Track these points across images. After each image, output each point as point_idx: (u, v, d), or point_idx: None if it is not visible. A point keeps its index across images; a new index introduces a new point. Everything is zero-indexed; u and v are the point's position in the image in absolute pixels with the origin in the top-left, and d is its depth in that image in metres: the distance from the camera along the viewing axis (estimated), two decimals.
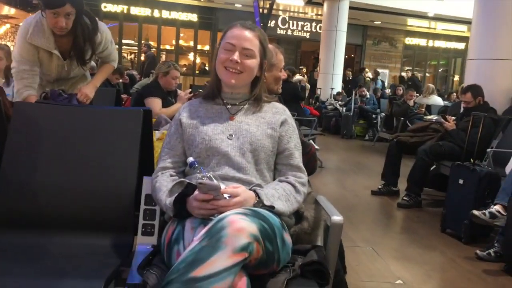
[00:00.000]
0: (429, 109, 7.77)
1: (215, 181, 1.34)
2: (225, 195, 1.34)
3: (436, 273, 2.90)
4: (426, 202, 4.56)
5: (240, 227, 1.15)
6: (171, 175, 1.56)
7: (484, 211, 2.98)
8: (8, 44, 12.41)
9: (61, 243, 1.64)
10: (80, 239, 1.66)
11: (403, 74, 16.38)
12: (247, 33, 1.55)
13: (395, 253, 3.15)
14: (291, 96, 6.04)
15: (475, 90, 4.36)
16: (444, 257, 3.13)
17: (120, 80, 7.33)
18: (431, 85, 9.14)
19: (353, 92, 10.00)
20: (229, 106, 1.60)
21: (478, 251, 3.07)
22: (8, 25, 14.93)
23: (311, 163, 2.02)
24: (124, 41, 15.66)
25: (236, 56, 1.52)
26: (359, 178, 5.71)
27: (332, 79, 12.20)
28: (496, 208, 2.97)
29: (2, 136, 1.80)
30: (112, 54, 2.68)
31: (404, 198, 4.41)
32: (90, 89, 2.51)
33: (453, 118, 4.61)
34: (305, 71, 14.70)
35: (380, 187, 4.87)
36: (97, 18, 2.50)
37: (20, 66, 2.38)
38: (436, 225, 3.74)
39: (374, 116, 9.57)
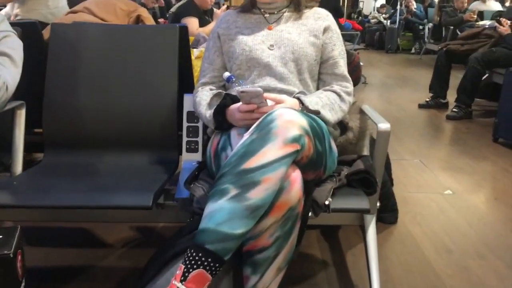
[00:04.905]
0: (481, 15, 7.25)
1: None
2: (269, 102, 1.29)
3: (487, 182, 2.82)
4: (477, 113, 4.39)
5: (290, 119, 1.12)
6: (211, 89, 1.53)
7: None
8: None
9: (109, 161, 1.69)
10: (127, 157, 1.70)
11: None
12: None
13: (443, 164, 3.08)
14: (331, 11, 5.75)
15: None
16: (495, 167, 3.04)
17: (156, 4, 7.21)
18: None
19: (398, 3, 9.44)
20: (267, 15, 1.53)
21: None
22: None
23: (355, 73, 1.94)
24: None
25: None
26: (405, 92, 5.52)
27: None
28: None
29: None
30: None
31: (454, 109, 4.25)
32: None
33: (509, 22, 4.27)
34: None
35: (427, 99, 4.70)
36: None
37: None
38: (487, 136, 3.62)
39: (421, 27, 9.05)
